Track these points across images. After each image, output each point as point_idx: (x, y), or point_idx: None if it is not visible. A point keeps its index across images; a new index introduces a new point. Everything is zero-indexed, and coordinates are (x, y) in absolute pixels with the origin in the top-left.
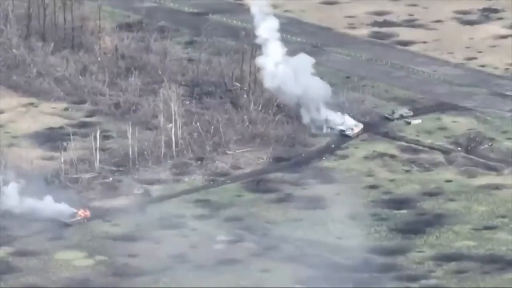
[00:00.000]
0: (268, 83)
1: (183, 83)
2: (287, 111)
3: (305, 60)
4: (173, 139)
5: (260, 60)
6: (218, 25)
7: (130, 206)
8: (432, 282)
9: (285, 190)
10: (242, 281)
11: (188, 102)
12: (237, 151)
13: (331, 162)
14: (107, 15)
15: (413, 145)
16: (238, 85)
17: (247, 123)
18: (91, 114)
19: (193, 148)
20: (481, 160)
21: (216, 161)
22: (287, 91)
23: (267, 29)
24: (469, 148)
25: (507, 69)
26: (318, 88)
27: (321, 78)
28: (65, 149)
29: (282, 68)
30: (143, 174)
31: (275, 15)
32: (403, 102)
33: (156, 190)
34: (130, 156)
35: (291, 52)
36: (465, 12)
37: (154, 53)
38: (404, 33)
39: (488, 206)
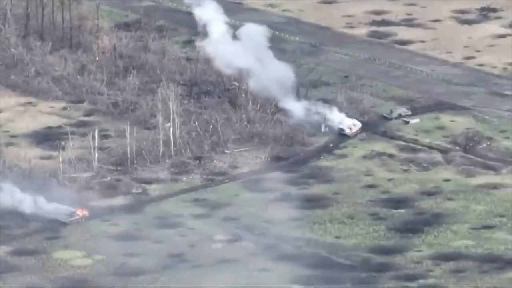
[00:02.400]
0: (221, 66)
1: (181, 82)
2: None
3: (254, 35)
4: (172, 139)
5: (201, 44)
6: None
7: (129, 206)
8: (430, 281)
9: (283, 190)
10: (240, 280)
11: (186, 102)
12: (235, 150)
13: (330, 162)
14: (105, 15)
15: (411, 145)
16: (236, 84)
17: (245, 123)
18: (89, 113)
19: (191, 147)
20: (480, 160)
21: (215, 161)
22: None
23: (205, 12)
24: (468, 147)
25: (505, 68)
26: (275, 70)
27: (320, 77)
28: (63, 149)
29: (228, 49)
30: (141, 174)
31: (274, 15)
32: (402, 102)
33: (154, 189)
34: (129, 155)
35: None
36: (463, 11)
37: (153, 53)
38: (403, 33)
39: (487, 205)
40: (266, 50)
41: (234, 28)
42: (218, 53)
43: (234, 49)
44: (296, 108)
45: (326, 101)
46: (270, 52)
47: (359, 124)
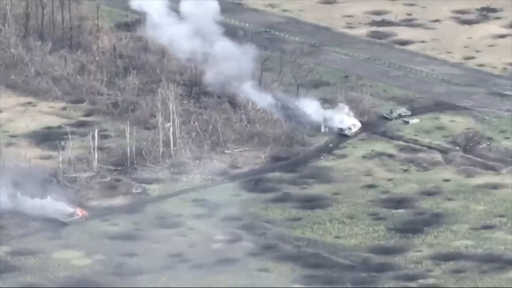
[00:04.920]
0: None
1: (181, 82)
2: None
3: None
4: (171, 139)
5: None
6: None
7: (128, 205)
8: (430, 281)
9: (283, 190)
10: (240, 280)
11: (186, 102)
12: (235, 150)
13: (329, 162)
14: (105, 15)
15: (411, 145)
16: (236, 84)
17: (245, 123)
18: (89, 113)
19: (191, 147)
20: (479, 160)
21: (214, 161)
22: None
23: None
24: (467, 147)
25: (505, 68)
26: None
27: (320, 78)
28: (63, 149)
29: (173, 33)
30: (141, 174)
31: (274, 15)
32: (401, 102)
33: (154, 189)
34: (128, 155)
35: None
36: (463, 12)
37: (152, 53)
38: (402, 33)
39: (486, 205)
40: (216, 30)
41: (233, 27)
42: (162, 38)
43: (180, 32)
44: (259, 98)
45: (326, 101)
46: (220, 32)
47: (359, 124)
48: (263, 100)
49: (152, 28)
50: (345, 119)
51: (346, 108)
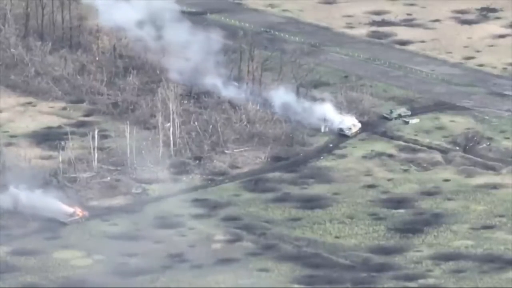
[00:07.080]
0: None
1: (181, 82)
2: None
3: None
4: (171, 139)
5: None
6: (216, 25)
7: (128, 206)
8: (430, 281)
9: (283, 190)
10: (240, 280)
11: (186, 102)
12: (235, 150)
13: (329, 162)
14: None
15: (411, 145)
16: (236, 84)
17: (245, 123)
18: (89, 113)
19: (191, 147)
20: (479, 160)
21: (214, 161)
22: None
23: None
24: (467, 147)
25: (505, 68)
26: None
27: (320, 78)
28: (63, 149)
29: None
30: (141, 174)
31: (274, 15)
32: (401, 102)
33: (154, 189)
34: (128, 155)
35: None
36: (463, 12)
37: (152, 53)
38: (402, 33)
39: (486, 205)
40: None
41: (233, 27)
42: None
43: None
44: (225, 89)
45: (325, 101)
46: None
47: (358, 125)
48: (229, 91)
49: (103, 15)
50: (331, 113)
51: (328, 101)
